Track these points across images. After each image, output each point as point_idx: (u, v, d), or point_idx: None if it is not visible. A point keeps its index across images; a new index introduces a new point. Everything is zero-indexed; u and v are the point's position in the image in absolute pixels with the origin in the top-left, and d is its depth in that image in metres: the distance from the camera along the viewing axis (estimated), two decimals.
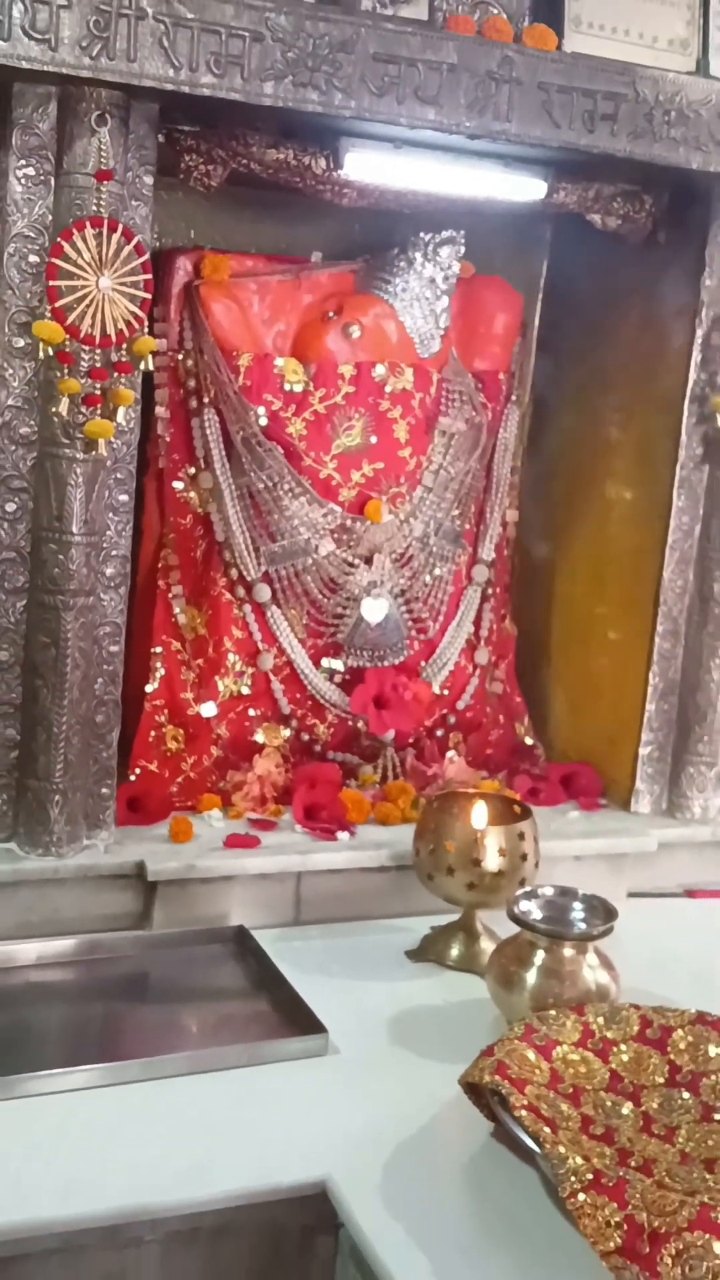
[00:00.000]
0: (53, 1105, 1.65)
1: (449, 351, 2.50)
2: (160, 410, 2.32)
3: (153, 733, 2.37)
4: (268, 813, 2.34)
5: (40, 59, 1.78)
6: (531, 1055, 1.64)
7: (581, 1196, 1.38)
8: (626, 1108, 1.63)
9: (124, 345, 1.94)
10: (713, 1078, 1.67)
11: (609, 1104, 1.63)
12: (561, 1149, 1.44)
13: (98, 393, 1.94)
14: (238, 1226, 1.55)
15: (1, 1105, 1.63)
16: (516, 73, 2.03)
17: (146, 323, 1.98)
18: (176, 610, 2.40)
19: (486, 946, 2.08)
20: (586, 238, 2.48)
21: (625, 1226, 1.36)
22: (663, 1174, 1.48)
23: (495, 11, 2.17)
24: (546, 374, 2.78)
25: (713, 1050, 1.70)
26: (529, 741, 2.74)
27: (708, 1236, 1.33)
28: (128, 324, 1.93)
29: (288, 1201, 1.54)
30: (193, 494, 2.37)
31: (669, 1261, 1.33)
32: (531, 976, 1.86)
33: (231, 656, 2.40)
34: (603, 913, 1.92)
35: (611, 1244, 1.36)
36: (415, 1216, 1.49)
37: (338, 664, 2.46)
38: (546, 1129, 1.49)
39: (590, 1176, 1.40)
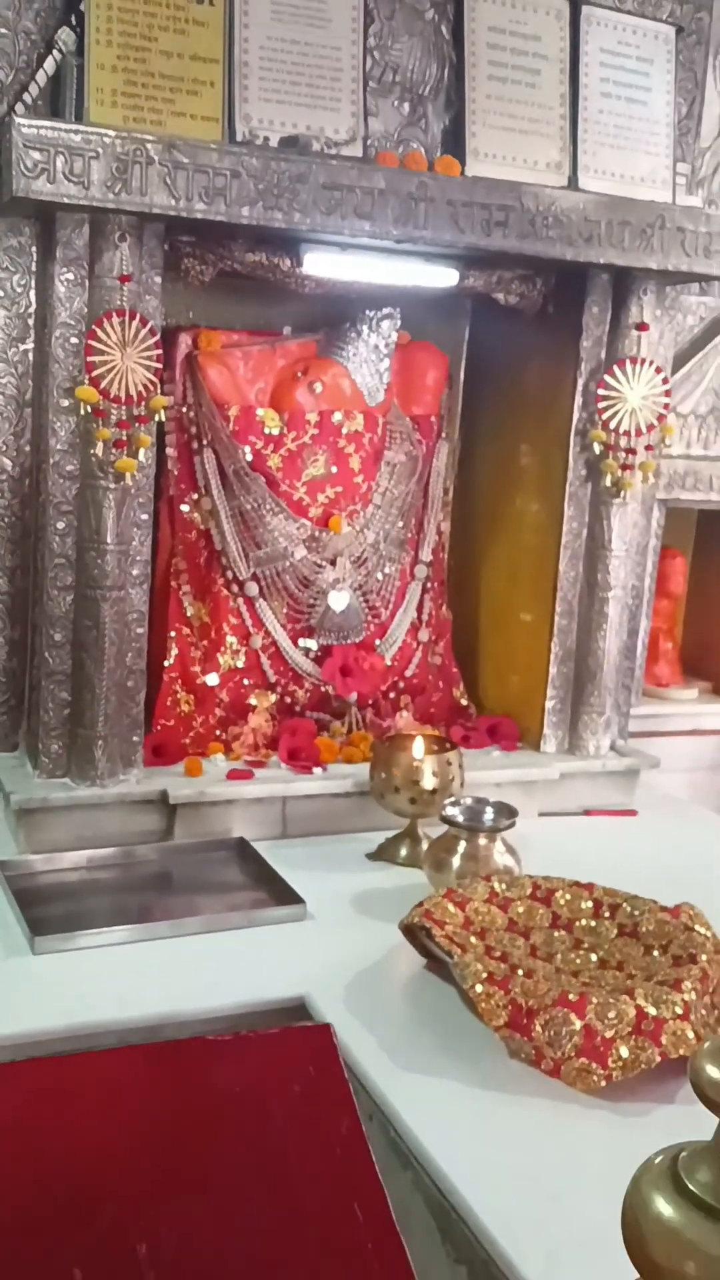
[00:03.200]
0: (107, 953, 2.01)
1: (391, 401, 2.86)
2: (170, 451, 2.67)
3: (170, 698, 2.72)
4: (260, 756, 2.69)
5: (77, 196, 2.15)
6: (451, 907, 2.00)
7: (479, 988, 1.76)
8: (519, 942, 1.99)
9: (143, 403, 2.30)
10: (582, 921, 2.04)
11: (506, 939, 1.99)
12: (467, 958, 1.82)
13: (124, 439, 2.29)
14: (245, 1028, 1.90)
15: (67, 954, 1.99)
16: (430, 193, 2.39)
17: (159, 385, 2.34)
18: (186, 604, 2.75)
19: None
20: (497, 310, 2.79)
21: (510, 1007, 1.73)
22: (539, 978, 1.85)
23: (415, 147, 2.56)
24: (471, 416, 3.10)
25: (583, 904, 2.07)
26: (464, 702, 3.09)
27: (566, 1010, 1.70)
28: (145, 387, 2.30)
29: (278, 1011, 1.89)
30: (196, 514, 2.72)
31: (539, 1029, 1.70)
32: (456, 861, 2.23)
33: (229, 638, 2.75)
34: (508, 813, 2.29)
35: (500, 1020, 1.73)
36: (367, 1016, 1.85)
37: (311, 643, 2.79)
38: (458, 949, 1.86)
39: (485, 975, 1.77)
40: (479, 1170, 1.50)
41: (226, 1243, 1.03)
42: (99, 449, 2.28)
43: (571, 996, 1.71)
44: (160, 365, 2.33)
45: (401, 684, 2.96)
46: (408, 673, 2.96)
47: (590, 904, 2.07)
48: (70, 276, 2.27)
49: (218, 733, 2.75)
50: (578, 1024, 1.68)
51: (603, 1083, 1.65)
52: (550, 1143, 1.57)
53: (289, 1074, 1.19)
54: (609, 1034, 1.67)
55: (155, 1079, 1.16)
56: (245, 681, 2.77)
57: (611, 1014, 1.68)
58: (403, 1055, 1.76)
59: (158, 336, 2.31)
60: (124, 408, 2.29)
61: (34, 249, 2.44)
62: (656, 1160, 0.76)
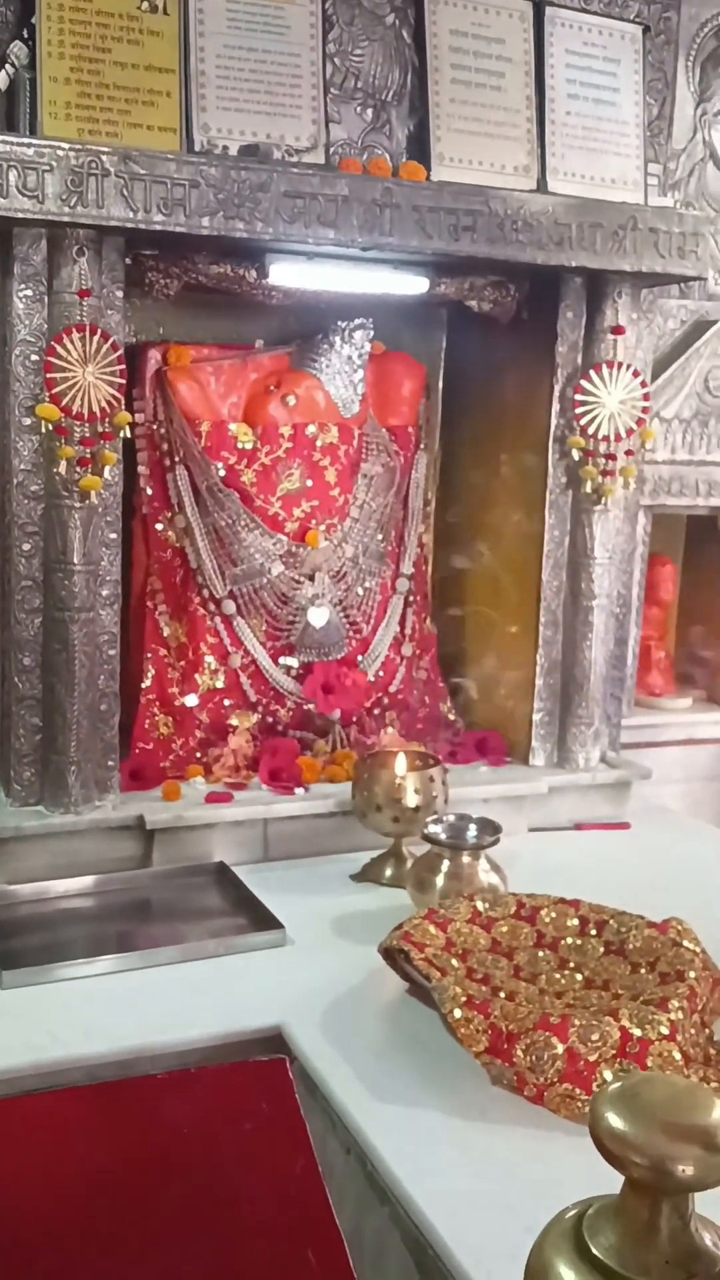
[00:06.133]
0: (79, 985, 1.95)
1: (367, 412, 2.81)
2: (142, 469, 2.62)
3: (148, 720, 2.67)
4: (241, 778, 2.63)
5: (31, 210, 2.11)
6: (432, 929, 1.94)
7: (458, 1013, 1.69)
8: (502, 963, 1.92)
9: (106, 419, 2.25)
10: (568, 940, 1.97)
11: (489, 960, 1.92)
12: (446, 981, 1.75)
13: (88, 456, 2.25)
14: (218, 1061, 1.84)
15: (42, 986, 1.93)
16: (395, 199, 2.34)
17: (124, 401, 2.29)
18: (163, 624, 2.70)
19: None
20: (472, 319, 2.76)
21: (490, 1032, 1.66)
22: (521, 1000, 1.79)
23: (378, 153, 2.52)
24: (451, 426, 3.06)
25: (569, 922, 2.00)
26: (451, 717, 3.03)
27: (547, 1034, 1.63)
28: (109, 403, 2.25)
29: (253, 1041, 1.83)
30: (170, 533, 2.68)
31: (521, 1054, 1.63)
32: (440, 880, 2.16)
33: (208, 658, 2.70)
34: (491, 830, 2.23)
35: (480, 1045, 1.66)
36: (345, 1044, 1.79)
37: (292, 660, 2.74)
38: (437, 973, 1.79)
39: (465, 999, 1.70)
40: (456, 1203, 1.44)
41: None
42: (62, 467, 2.23)
43: (553, 1019, 1.65)
44: (123, 381, 2.28)
45: (386, 700, 2.90)
46: (392, 688, 2.90)
47: (576, 921, 2.00)
48: (29, 293, 2.23)
49: (198, 755, 2.69)
50: (560, 1048, 1.62)
51: (586, 1109, 1.58)
52: (531, 1173, 1.50)
53: (240, 1111, 1.12)
54: (592, 1057, 1.60)
55: (100, 1120, 1.10)
56: (225, 702, 2.72)
57: (595, 1036, 1.62)
58: (381, 1085, 1.69)
59: (120, 351, 2.26)
60: (87, 425, 2.24)
61: None
62: (567, 1216, 0.70)
